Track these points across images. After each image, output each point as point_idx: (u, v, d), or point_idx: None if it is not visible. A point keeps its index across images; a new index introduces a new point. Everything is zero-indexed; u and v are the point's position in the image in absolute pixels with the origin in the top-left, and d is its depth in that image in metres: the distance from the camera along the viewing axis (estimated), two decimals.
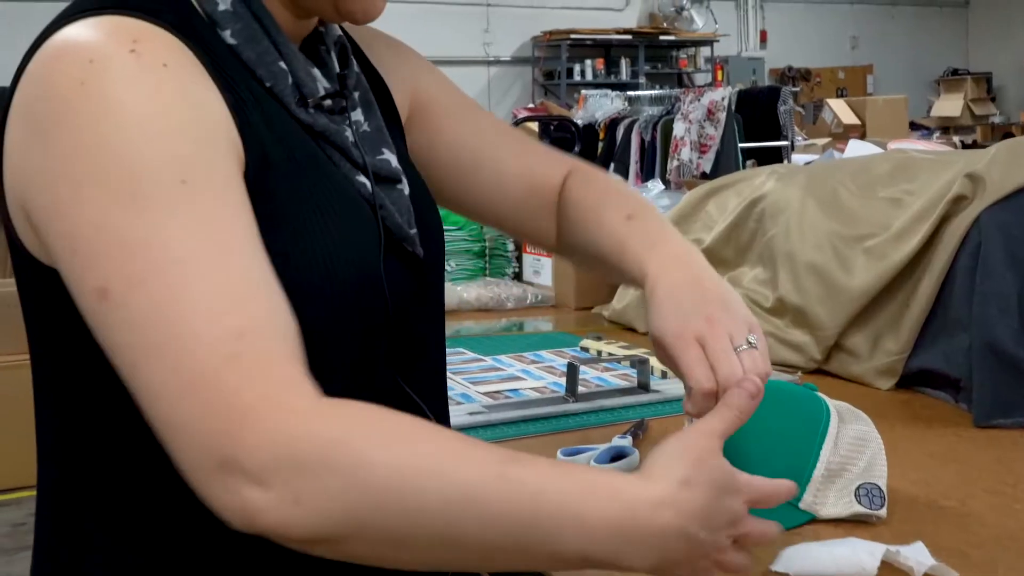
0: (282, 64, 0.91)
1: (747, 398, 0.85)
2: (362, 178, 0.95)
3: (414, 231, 0.99)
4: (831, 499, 1.08)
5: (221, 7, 0.88)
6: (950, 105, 11.66)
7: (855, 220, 1.74)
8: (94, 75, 0.77)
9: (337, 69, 0.99)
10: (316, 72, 0.95)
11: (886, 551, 0.94)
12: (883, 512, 1.07)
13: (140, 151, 0.76)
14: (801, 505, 1.07)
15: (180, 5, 0.86)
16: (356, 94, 1.00)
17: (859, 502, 1.07)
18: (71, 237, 0.76)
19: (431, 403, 1.02)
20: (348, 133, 0.96)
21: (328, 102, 0.95)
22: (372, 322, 0.93)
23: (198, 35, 0.85)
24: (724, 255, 1.96)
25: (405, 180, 1.01)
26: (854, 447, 1.12)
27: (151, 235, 0.74)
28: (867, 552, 0.94)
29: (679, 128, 6.54)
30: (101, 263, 0.74)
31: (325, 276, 0.88)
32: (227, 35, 0.88)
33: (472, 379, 1.62)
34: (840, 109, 8.17)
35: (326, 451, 0.69)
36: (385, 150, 1.00)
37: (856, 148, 3.35)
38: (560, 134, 6.39)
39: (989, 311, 1.45)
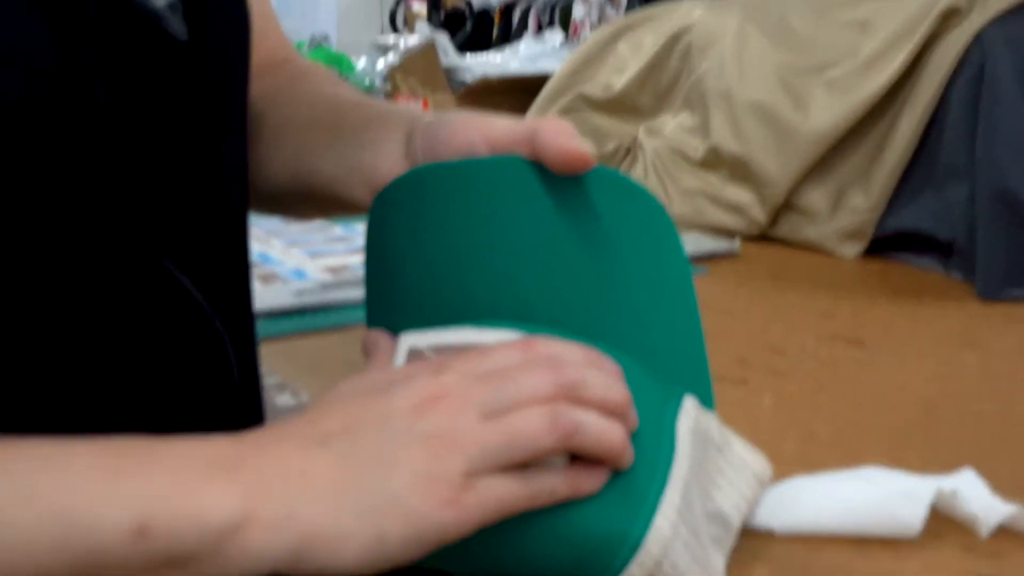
0: None
1: None
2: None
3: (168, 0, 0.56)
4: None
5: None
6: None
7: (811, 48, 1.36)
8: None
9: None
10: None
11: (938, 492, 0.57)
12: None
13: None
14: None
15: None
16: None
17: None
18: None
19: (222, 286, 0.60)
20: None
21: None
22: (89, 167, 0.51)
23: None
24: (639, 102, 1.57)
25: None
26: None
27: None
28: (903, 494, 0.57)
29: (578, 11, 6.17)
30: None
31: None
32: None
33: (311, 251, 1.22)
34: None
35: None
36: None
37: None
38: (454, 8, 5.92)
39: (999, 152, 1.09)
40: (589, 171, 0.52)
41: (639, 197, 0.53)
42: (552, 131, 0.52)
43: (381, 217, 0.59)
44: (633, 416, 0.49)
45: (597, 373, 0.48)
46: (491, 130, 0.56)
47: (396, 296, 0.59)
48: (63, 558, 0.41)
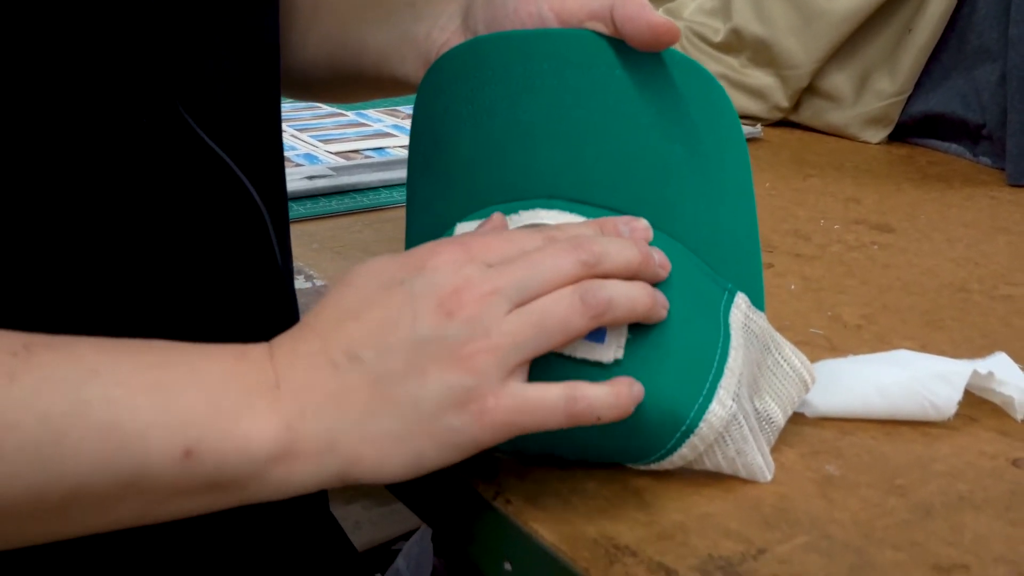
0: None
1: None
2: None
3: None
4: None
5: None
6: None
7: None
8: None
9: None
10: None
11: (973, 373, 0.55)
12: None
13: None
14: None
15: None
16: None
17: None
18: None
19: (261, 167, 0.57)
20: None
21: None
22: (120, 36, 0.47)
23: None
24: None
25: None
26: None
27: None
28: (937, 376, 0.55)
29: None
30: None
31: None
32: None
33: (323, 136, 1.19)
34: None
35: None
36: None
37: None
38: None
39: None
40: (662, 50, 0.50)
41: (707, 82, 0.50)
42: (635, 4, 0.50)
43: (434, 88, 0.56)
44: (655, 262, 0.47)
45: (612, 241, 0.46)
46: (563, 2, 0.53)
47: (442, 173, 0.56)
48: (107, 475, 0.40)
